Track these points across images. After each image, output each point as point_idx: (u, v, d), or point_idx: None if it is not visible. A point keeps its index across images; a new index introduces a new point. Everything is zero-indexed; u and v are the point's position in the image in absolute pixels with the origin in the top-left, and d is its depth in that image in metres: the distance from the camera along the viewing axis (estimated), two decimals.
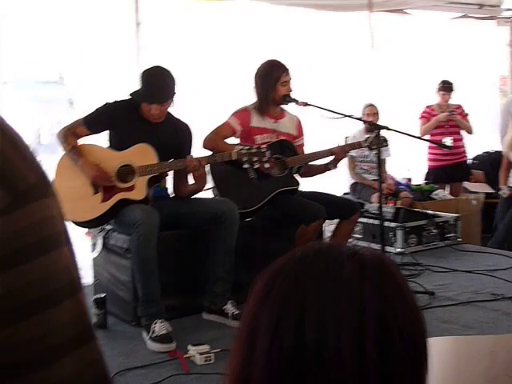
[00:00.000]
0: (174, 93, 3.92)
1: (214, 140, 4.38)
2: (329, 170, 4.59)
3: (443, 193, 6.69)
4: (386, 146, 4.77)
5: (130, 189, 3.91)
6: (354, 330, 0.80)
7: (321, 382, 0.79)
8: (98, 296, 3.95)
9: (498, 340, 1.76)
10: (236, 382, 0.86)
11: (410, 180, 6.85)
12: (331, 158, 4.55)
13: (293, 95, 4.42)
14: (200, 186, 4.07)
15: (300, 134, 4.71)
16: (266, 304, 0.84)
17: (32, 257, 0.65)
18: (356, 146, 4.70)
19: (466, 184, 7.19)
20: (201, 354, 3.38)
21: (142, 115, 3.97)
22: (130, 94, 3.95)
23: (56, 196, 0.72)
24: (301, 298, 0.82)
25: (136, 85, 4.01)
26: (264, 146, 3.99)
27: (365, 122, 5.60)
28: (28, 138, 6.27)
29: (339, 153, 4.50)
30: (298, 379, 0.80)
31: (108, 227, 4.14)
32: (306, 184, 4.76)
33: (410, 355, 0.83)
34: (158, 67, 3.97)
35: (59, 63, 5.84)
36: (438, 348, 1.54)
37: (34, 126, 6.11)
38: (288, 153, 4.52)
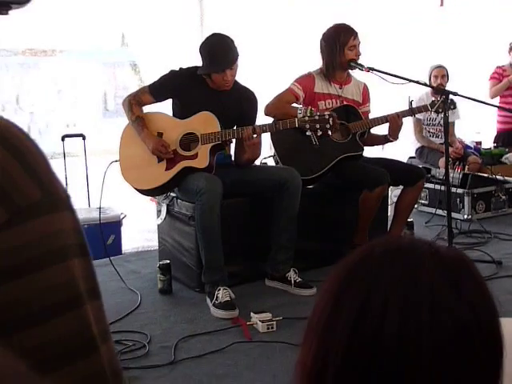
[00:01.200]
0: (238, 53, 3.90)
1: (276, 106, 4.35)
2: (390, 141, 4.48)
3: None
4: (454, 109, 4.60)
5: (194, 157, 3.93)
6: (435, 331, 0.79)
7: (399, 382, 0.79)
8: (163, 262, 4.01)
9: None
10: (309, 376, 0.86)
11: (479, 143, 6.66)
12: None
13: (360, 60, 4.32)
14: (253, 155, 4.03)
15: (366, 100, 4.61)
16: (345, 301, 0.83)
17: (24, 273, 0.65)
18: (422, 109, 4.57)
19: None
20: (263, 321, 3.41)
21: (206, 83, 3.96)
22: (199, 72, 3.92)
23: (71, 210, 0.72)
24: (382, 298, 0.81)
25: (197, 51, 3.99)
26: (327, 112, 3.92)
27: (432, 87, 5.41)
28: (95, 104, 6.38)
29: (393, 120, 4.38)
30: (375, 378, 0.79)
31: (172, 194, 4.18)
32: (371, 150, 4.68)
33: (489, 356, 0.82)
34: (213, 35, 3.96)
35: (122, 28, 5.88)
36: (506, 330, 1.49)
37: (100, 91, 6.19)
38: (353, 119, 4.45)
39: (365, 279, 0.84)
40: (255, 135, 3.89)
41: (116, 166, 4.07)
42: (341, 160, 4.35)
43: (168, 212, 4.24)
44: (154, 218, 4.54)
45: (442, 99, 4.24)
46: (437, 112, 4.49)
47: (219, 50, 3.85)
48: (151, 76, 4.55)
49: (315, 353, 0.84)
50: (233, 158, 4.20)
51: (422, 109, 4.55)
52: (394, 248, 0.87)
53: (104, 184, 4.08)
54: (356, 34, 4.33)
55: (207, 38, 3.98)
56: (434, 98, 4.68)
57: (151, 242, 5.27)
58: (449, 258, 0.85)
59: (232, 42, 3.90)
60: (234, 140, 4.05)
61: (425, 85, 4.57)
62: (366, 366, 0.80)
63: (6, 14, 2.33)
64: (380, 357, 0.79)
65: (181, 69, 4.05)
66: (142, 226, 5.71)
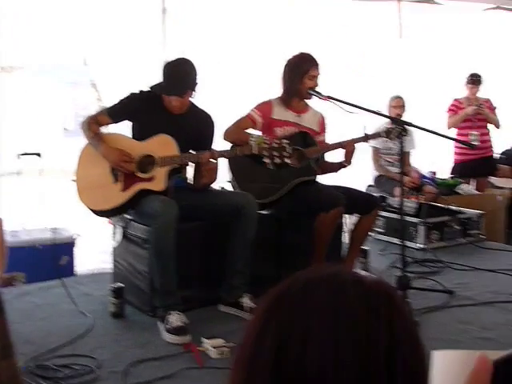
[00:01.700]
0: (196, 84, 3.90)
1: (234, 132, 4.37)
2: (343, 166, 4.52)
3: (468, 187, 6.61)
4: (405, 135, 4.56)
5: (151, 179, 3.91)
6: (355, 359, 0.78)
7: None
8: (116, 285, 3.96)
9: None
10: None
11: (435, 173, 6.77)
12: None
13: (318, 89, 4.38)
14: (211, 179, 4.03)
15: (322, 130, 4.67)
16: (269, 329, 0.83)
17: None
18: (376, 136, 4.64)
19: (492, 179, 7.09)
20: (215, 347, 3.38)
21: (164, 106, 3.96)
22: (150, 87, 3.94)
23: None
24: (304, 326, 0.81)
25: (159, 71, 3.99)
26: (285, 141, 3.94)
27: (388, 117, 5.45)
28: (54, 123, 6.31)
29: (348, 146, 4.43)
30: None
31: (128, 217, 4.14)
32: (328, 178, 4.72)
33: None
34: (179, 59, 3.96)
35: (83, 47, 5.85)
36: (448, 361, 1.50)
37: (59, 110, 6.14)
38: (308, 145, 4.49)
39: (287, 307, 0.84)
40: (213, 160, 3.90)
41: (73, 185, 4.02)
42: (296, 184, 4.38)
43: (123, 234, 4.20)
44: (109, 240, 4.49)
45: (395, 127, 4.33)
46: (389, 138, 4.57)
47: (175, 76, 3.87)
48: (112, 96, 4.54)
49: (241, 381, 0.84)
50: (188, 182, 4.19)
51: (375, 135, 4.63)
52: (318, 276, 0.87)
53: (59, 204, 4.03)
54: (317, 65, 4.42)
55: (172, 60, 4.00)
56: (388, 126, 4.75)
57: (105, 263, 5.21)
58: (371, 287, 0.85)
59: (194, 71, 3.90)
60: (191, 164, 4.05)
61: (381, 115, 4.64)
62: None
63: None
64: None
65: (141, 91, 4.05)
66: (96, 247, 5.64)
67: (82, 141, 4.09)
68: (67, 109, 6.27)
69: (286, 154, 3.89)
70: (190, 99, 4.01)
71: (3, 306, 0.68)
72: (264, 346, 0.82)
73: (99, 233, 5.34)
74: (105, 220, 4.44)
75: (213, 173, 3.98)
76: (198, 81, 3.91)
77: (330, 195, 4.30)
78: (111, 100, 4.18)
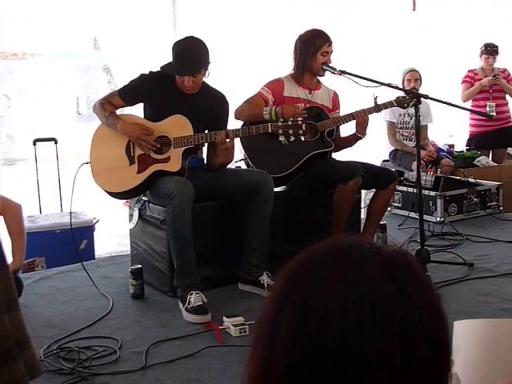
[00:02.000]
0: (208, 63, 3.86)
1: (246, 110, 4.35)
2: (359, 138, 4.48)
3: (486, 159, 6.54)
4: (418, 105, 4.48)
5: (166, 160, 3.91)
6: (378, 331, 0.78)
7: (343, 383, 0.78)
8: (135, 267, 3.98)
9: None
10: (256, 379, 0.85)
11: (452, 146, 6.71)
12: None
13: (331, 65, 4.35)
14: (226, 159, 4.03)
15: (336, 107, 4.63)
16: (287, 305, 0.82)
17: None
18: (388, 105, 4.55)
19: (509, 150, 7.01)
20: (235, 325, 3.39)
21: (176, 86, 3.94)
22: (161, 68, 3.90)
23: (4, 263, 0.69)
24: (323, 299, 0.80)
25: (170, 53, 3.97)
26: (300, 118, 3.92)
27: (403, 90, 5.38)
28: (68, 107, 6.32)
29: (359, 116, 4.38)
30: (319, 380, 0.78)
31: (144, 198, 4.15)
32: (343, 154, 4.69)
33: (434, 356, 0.81)
34: (188, 37, 3.90)
35: (94, 31, 5.83)
36: (470, 331, 1.50)
37: (72, 95, 6.14)
38: (320, 119, 4.46)
39: (305, 280, 0.83)
40: (228, 139, 3.89)
41: (88, 169, 4.03)
42: (311, 159, 4.36)
43: (140, 216, 4.21)
44: (126, 223, 4.51)
45: (407, 96, 4.29)
46: (402, 107, 4.51)
47: (187, 55, 3.81)
48: (124, 79, 4.53)
49: (260, 357, 0.84)
50: (205, 162, 4.18)
51: (387, 105, 4.54)
52: (335, 248, 0.86)
53: (75, 187, 4.04)
54: (331, 42, 4.38)
55: (182, 39, 3.94)
56: (398, 95, 4.69)
57: (124, 246, 5.24)
58: (391, 258, 0.84)
59: (205, 49, 3.84)
60: (206, 144, 4.04)
61: (396, 88, 4.59)
62: (310, 367, 0.79)
63: None
64: (323, 358, 0.78)
65: (151, 72, 4.01)
66: (115, 230, 5.67)
67: (95, 125, 4.10)
68: (80, 93, 6.27)
69: (301, 131, 3.87)
70: (204, 79, 3.98)
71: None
72: (283, 321, 0.81)
73: (117, 216, 5.36)
74: (121, 202, 4.46)
75: (228, 152, 3.98)
76: (210, 59, 3.87)
77: (348, 166, 4.29)
78: (123, 83, 4.17)
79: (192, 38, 3.90)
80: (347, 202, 4.27)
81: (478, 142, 6.79)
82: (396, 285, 0.81)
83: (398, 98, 4.50)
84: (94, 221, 4.93)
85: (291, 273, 0.86)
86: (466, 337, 1.42)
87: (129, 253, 4.55)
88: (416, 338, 0.79)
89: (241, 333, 3.37)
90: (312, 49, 4.34)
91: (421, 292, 0.83)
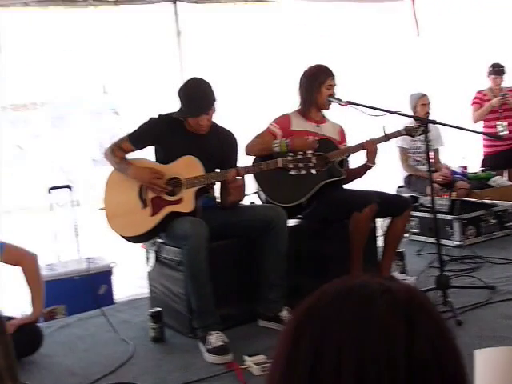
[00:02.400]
0: (215, 99, 3.92)
1: (256, 145, 4.38)
2: (369, 167, 4.49)
3: (501, 179, 6.51)
4: (428, 132, 4.48)
5: (179, 201, 3.92)
6: (392, 369, 0.77)
7: None
8: (154, 310, 3.98)
9: None
10: None
11: (465, 168, 6.69)
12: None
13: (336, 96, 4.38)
14: (239, 196, 4.04)
15: (343, 140, 4.66)
16: (301, 346, 0.82)
17: None
18: (397, 134, 4.58)
19: None
20: (257, 364, 3.36)
21: (185, 128, 3.99)
22: (174, 115, 3.95)
23: None
24: (337, 337, 0.80)
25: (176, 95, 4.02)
26: (309, 151, 3.94)
27: (413, 116, 5.33)
28: (82, 154, 6.38)
29: (368, 146, 4.39)
30: None
31: (159, 240, 4.16)
32: (357, 183, 4.68)
33: None
34: (193, 79, 3.98)
35: (103, 77, 5.91)
36: (492, 359, 1.48)
37: (86, 141, 6.21)
38: (330, 150, 4.47)
39: (317, 324, 0.83)
40: (239, 177, 3.90)
41: (101, 214, 4.05)
42: (324, 189, 4.36)
43: (156, 258, 4.21)
44: (144, 265, 4.51)
45: (415, 124, 4.30)
46: (411, 136, 4.53)
47: (196, 95, 3.88)
48: (133, 122, 4.59)
49: None
50: (218, 200, 4.19)
51: (396, 134, 4.57)
52: (345, 289, 0.86)
53: (92, 233, 4.06)
54: (334, 76, 4.45)
55: (185, 82, 4.02)
56: (407, 125, 4.72)
57: (143, 289, 5.23)
58: (401, 295, 0.84)
59: (209, 86, 3.92)
60: (217, 183, 4.05)
61: (404, 115, 4.59)
62: None
63: None
64: None
65: (160, 116, 4.07)
66: (133, 273, 5.67)
67: (109, 169, 4.13)
68: (93, 139, 6.34)
69: (311, 164, 3.88)
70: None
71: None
72: (298, 360, 0.82)
73: (134, 258, 5.37)
74: (138, 245, 4.47)
75: (240, 190, 3.99)
76: (216, 96, 3.93)
77: (361, 194, 4.31)
78: (133, 127, 4.21)
79: (196, 78, 3.98)
80: (363, 230, 4.25)
81: (492, 161, 6.77)
82: (407, 322, 0.80)
83: (406, 127, 4.54)
84: (113, 265, 4.94)
85: (305, 312, 0.86)
86: (489, 366, 1.40)
87: (147, 295, 4.55)
88: (431, 377, 0.79)
89: (263, 371, 3.34)
90: (316, 83, 4.40)
91: (434, 330, 0.83)
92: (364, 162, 4.48)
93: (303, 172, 3.89)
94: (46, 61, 5.34)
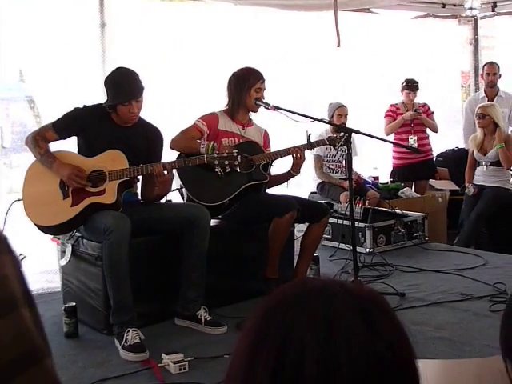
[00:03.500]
0: (143, 87, 3.90)
1: (182, 141, 4.35)
2: (292, 176, 4.55)
3: (409, 191, 6.74)
4: (351, 143, 4.62)
5: (101, 193, 3.85)
6: (354, 369, 0.79)
7: None
8: (69, 304, 3.88)
9: (483, 363, 1.79)
10: None
11: (376, 178, 6.89)
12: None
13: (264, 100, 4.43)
14: (164, 191, 4.04)
15: (266, 145, 4.70)
16: (262, 352, 0.83)
17: None
18: (320, 143, 4.69)
19: (431, 181, 7.26)
20: (175, 362, 3.34)
21: (112, 120, 3.92)
22: (104, 104, 3.89)
23: (13, 254, 0.67)
24: (300, 338, 0.81)
25: (99, 86, 3.96)
26: (235, 150, 3.96)
27: (335, 125, 5.47)
28: None
29: (296, 154, 4.45)
30: None
31: (77, 234, 4.06)
32: (273, 189, 4.73)
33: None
34: (120, 68, 3.97)
35: (20, 63, 5.71)
36: (423, 371, 1.53)
37: None
38: (255, 153, 4.51)
39: (279, 327, 0.84)
40: (165, 172, 3.87)
41: (17, 205, 3.92)
42: (247, 191, 4.39)
43: (73, 252, 4.11)
44: (55, 259, 4.39)
45: (339, 135, 4.41)
46: (333, 146, 4.65)
47: (125, 82, 3.85)
48: (49, 112, 4.48)
49: None
50: (139, 196, 4.14)
51: (320, 143, 4.68)
52: (306, 290, 0.88)
53: (3, 224, 3.92)
54: (264, 79, 4.48)
55: (112, 71, 4.00)
56: (332, 135, 4.83)
57: (52, 283, 5.09)
58: (361, 297, 0.86)
59: (137, 75, 3.91)
60: (140, 177, 4.01)
61: (329, 123, 4.71)
62: None
63: None
64: None
65: (85, 106, 4.00)
66: (42, 267, 5.50)
67: (19, 157, 4.01)
68: (3, 126, 6.10)
69: (236, 162, 3.90)
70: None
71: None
72: (260, 362, 0.82)
73: (44, 252, 5.21)
74: (50, 238, 4.35)
75: (167, 184, 3.98)
76: (143, 85, 3.91)
77: (283, 200, 4.34)
78: (50, 116, 4.11)
79: (123, 67, 3.98)
80: (282, 235, 4.30)
81: (401, 174, 7.00)
82: (368, 323, 0.83)
83: (329, 137, 4.66)
84: (21, 257, 4.77)
85: (266, 314, 0.86)
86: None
87: (59, 290, 4.43)
88: (389, 374, 0.81)
89: (180, 370, 3.33)
90: (246, 85, 4.41)
91: (392, 330, 0.85)
92: (288, 170, 4.53)
93: (228, 169, 3.91)
94: None
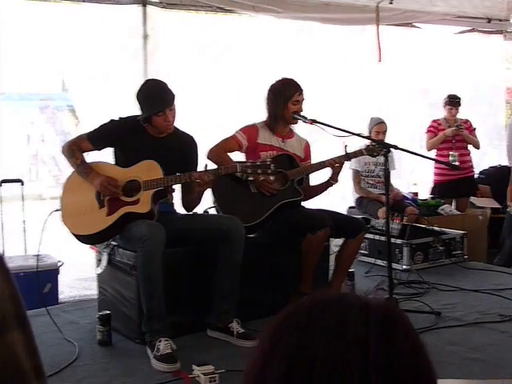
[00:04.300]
0: (174, 95, 3.95)
1: (218, 152, 4.37)
2: (331, 185, 4.53)
3: (449, 208, 6.65)
4: (389, 153, 4.55)
5: (135, 202, 3.89)
6: (363, 380, 0.78)
7: None
8: (103, 312, 3.91)
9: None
10: None
11: (416, 194, 6.81)
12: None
13: (302, 113, 4.40)
14: (199, 199, 4.06)
15: (307, 157, 4.68)
16: (274, 358, 0.82)
17: None
18: (357, 154, 4.63)
19: (472, 199, 7.15)
20: (205, 374, 3.33)
21: (146, 131, 3.97)
22: (140, 117, 3.93)
23: (6, 272, 0.66)
24: (310, 352, 0.80)
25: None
26: (269, 159, 3.98)
27: (373, 140, 5.41)
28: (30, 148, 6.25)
29: (333, 165, 4.43)
30: None
31: (113, 243, 4.10)
32: (311, 203, 4.71)
33: None
34: (148, 80, 4.13)
35: (63, 73, 5.82)
36: None
37: (38, 136, 6.08)
38: (290, 167, 4.49)
39: (292, 333, 0.83)
40: (199, 180, 3.88)
41: (56, 214, 3.98)
42: (281, 207, 4.37)
43: (109, 261, 4.15)
44: (92, 267, 4.44)
45: (376, 144, 4.37)
46: (371, 155, 4.59)
47: (156, 93, 3.91)
48: (90, 122, 4.55)
49: None
50: (175, 207, 4.17)
51: (357, 153, 4.62)
52: (323, 301, 0.87)
53: (43, 232, 3.98)
54: (301, 90, 4.44)
55: (142, 85, 4.07)
56: (368, 144, 4.78)
57: (88, 291, 5.15)
58: (380, 311, 0.84)
59: (166, 84, 3.98)
60: (175, 188, 4.03)
61: (366, 138, 4.66)
62: None
63: None
64: None
65: (120, 118, 4.06)
66: (79, 274, 5.57)
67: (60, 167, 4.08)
68: (47, 135, 6.21)
69: (269, 170, 3.89)
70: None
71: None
72: (272, 371, 0.81)
73: (82, 260, 5.27)
74: (88, 246, 4.40)
75: (202, 193, 4.00)
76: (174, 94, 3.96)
77: (316, 216, 4.31)
78: (91, 126, 4.17)
79: (151, 79, 4.18)
80: (315, 251, 4.28)
81: (441, 190, 6.91)
82: (385, 339, 0.81)
83: (367, 146, 4.59)
84: (59, 264, 4.84)
85: (281, 323, 0.86)
86: None
87: (94, 298, 4.47)
88: None
89: (211, 381, 3.32)
90: (283, 99, 4.40)
91: (407, 344, 0.83)
92: (327, 179, 4.51)
93: (262, 178, 3.92)
94: (8, 51, 5.24)
